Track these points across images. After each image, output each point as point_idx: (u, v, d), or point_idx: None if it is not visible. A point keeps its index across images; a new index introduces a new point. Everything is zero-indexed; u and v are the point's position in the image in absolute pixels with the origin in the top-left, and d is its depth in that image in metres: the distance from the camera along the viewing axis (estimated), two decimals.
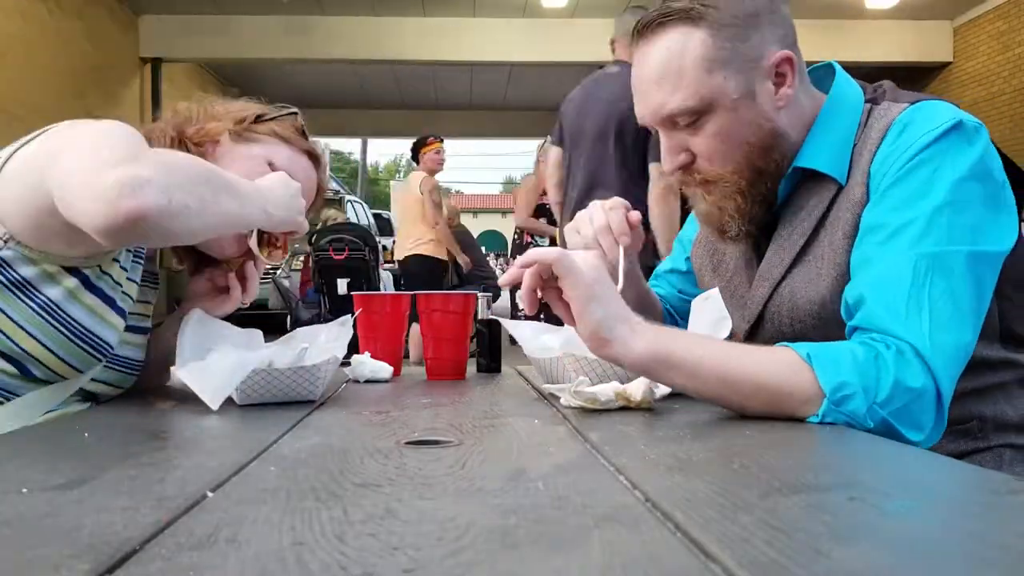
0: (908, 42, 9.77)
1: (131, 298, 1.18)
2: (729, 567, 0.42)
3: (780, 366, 0.89)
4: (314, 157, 1.30)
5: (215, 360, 1.04)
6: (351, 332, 1.23)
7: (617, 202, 1.17)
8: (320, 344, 1.18)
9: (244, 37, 9.77)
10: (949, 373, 0.90)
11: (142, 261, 1.21)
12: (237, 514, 0.54)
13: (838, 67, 1.13)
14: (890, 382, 0.87)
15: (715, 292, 1.13)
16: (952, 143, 0.97)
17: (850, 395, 0.86)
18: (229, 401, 1.04)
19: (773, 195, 1.09)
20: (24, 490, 0.61)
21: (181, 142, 1.20)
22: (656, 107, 1.05)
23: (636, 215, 1.15)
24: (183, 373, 1.03)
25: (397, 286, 8.21)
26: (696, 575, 0.42)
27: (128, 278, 1.16)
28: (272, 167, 1.21)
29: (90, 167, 0.92)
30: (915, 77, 9.71)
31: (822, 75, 1.14)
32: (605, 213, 1.15)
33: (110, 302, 1.11)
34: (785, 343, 0.92)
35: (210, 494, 0.59)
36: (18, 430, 1.01)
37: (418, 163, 6.38)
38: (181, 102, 1.28)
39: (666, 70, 1.02)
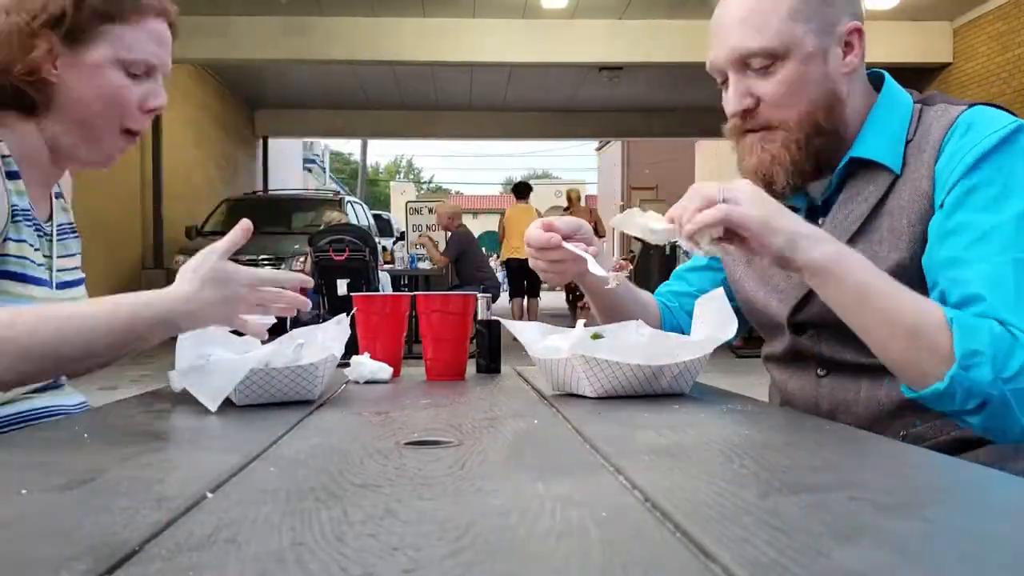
0: (908, 43, 9.77)
1: (41, 263, 1.15)
2: (729, 567, 0.42)
3: (932, 317, 0.93)
4: (153, 10, 1.14)
5: (213, 363, 1.04)
6: (348, 331, 1.22)
7: (530, 244, 1.21)
8: (318, 343, 1.18)
9: (243, 38, 9.77)
10: None
11: (33, 222, 1.15)
12: (237, 514, 0.54)
13: (886, 73, 1.18)
14: (1021, 361, 0.89)
15: (719, 292, 1.13)
16: (1021, 146, 1.01)
17: (979, 363, 0.89)
18: (229, 402, 1.04)
19: (831, 168, 1.13)
20: (24, 490, 0.61)
21: (15, 89, 1.08)
22: (735, 45, 1.10)
23: (555, 222, 1.21)
24: (182, 377, 1.03)
25: (396, 287, 8.22)
26: (696, 575, 0.42)
27: (32, 247, 1.13)
28: (124, 66, 1.11)
29: None
30: (915, 78, 9.71)
31: (873, 79, 1.19)
32: (528, 248, 1.23)
33: (32, 280, 1.11)
34: (937, 301, 0.96)
35: (210, 494, 0.59)
36: (18, 430, 1.01)
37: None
38: None
39: (753, 12, 1.09)
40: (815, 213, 1.16)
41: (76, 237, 1.30)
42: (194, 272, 1.01)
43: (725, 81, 1.14)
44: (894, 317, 0.94)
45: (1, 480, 0.66)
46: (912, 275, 1.03)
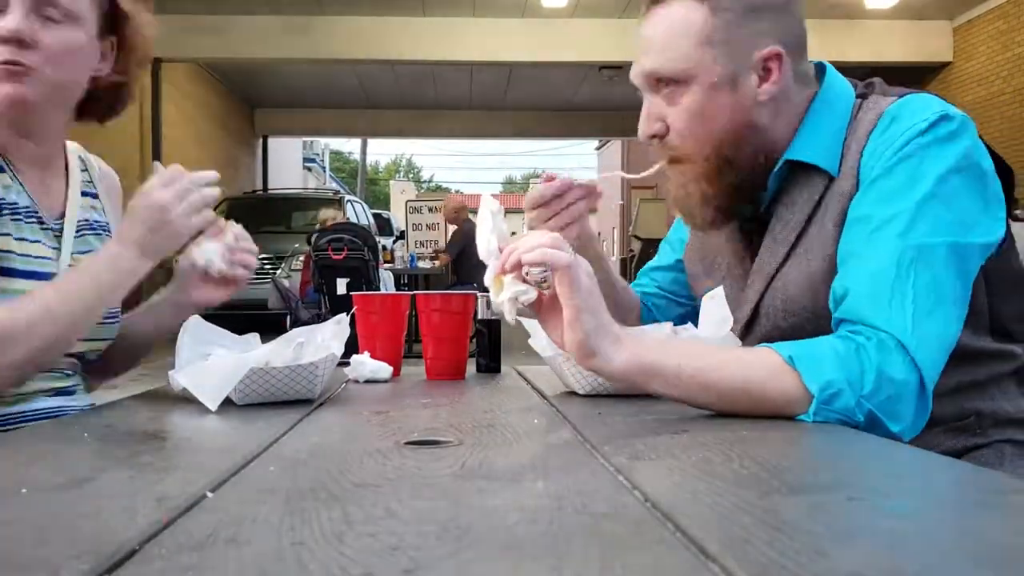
0: (908, 42, 9.77)
1: (43, 258, 1.15)
2: (729, 567, 0.42)
3: (762, 369, 0.90)
4: None
5: (212, 362, 1.04)
6: (348, 331, 1.22)
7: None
8: (317, 343, 1.18)
9: (244, 37, 9.77)
10: (933, 363, 0.91)
11: (30, 215, 1.16)
12: (237, 514, 0.54)
13: (829, 65, 1.14)
14: (873, 374, 0.88)
15: (719, 291, 1.13)
16: (938, 135, 0.98)
17: (837, 392, 0.87)
18: (229, 401, 1.04)
19: (752, 189, 1.10)
20: (24, 490, 0.61)
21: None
22: (645, 66, 1.08)
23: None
24: (181, 376, 1.03)
25: (396, 286, 8.22)
26: (696, 575, 0.42)
27: (15, 239, 1.13)
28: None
29: None
30: (915, 77, 9.71)
31: (813, 73, 1.15)
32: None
33: (44, 276, 1.11)
34: (766, 344, 0.93)
35: (210, 494, 0.59)
36: (18, 430, 1.01)
37: None
38: None
39: (663, 35, 1.06)
40: (761, 223, 1.13)
41: (105, 234, 1.29)
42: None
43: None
44: (726, 388, 0.90)
45: (1, 480, 0.66)
46: None
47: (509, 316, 0.92)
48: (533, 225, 1.18)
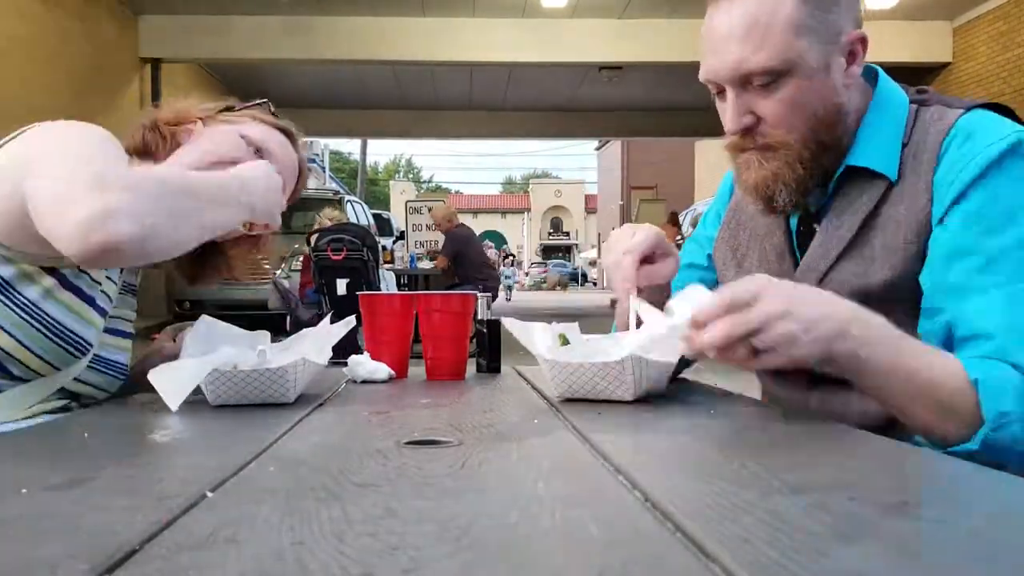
0: (908, 42, 9.78)
1: (109, 297, 1.18)
2: (729, 567, 0.42)
3: (958, 385, 0.89)
4: (289, 134, 1.30)
5: (181, 362, 1.04)
6: (343, 334, 1.22)
7: (635, 245, 1.12)
8: (304, 344, 1.18)
9: (244, 37, 9.78)
10: None
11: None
12: (237, 514, 0.54)
13: (880, 70, 1.14)
14: None
15: (701, 287, 1.11)
16: (1021, 159, 0.98)
17: (1007, 423, 0.87)
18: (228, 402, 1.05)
19: (829, 176, 1.10)
20: (24, 490, 0.61)
21: (155, 129, 1.21)
22: (735, 63, 1.03)
23: (664, 269, 1.14)
24: (151, 372, 1.02)
25: (398, 286, 8.22)
26: (696, 575, 0.42)
27: (107, 276, 1.17)
28: (247, 140, 1.21)
29: (61, 190, 0.92)
30: (915, 78, 9.69)
31: (866, 75, 1.14)
32: (619, 255, 1.13)
33: (89, 300, 1.11)
34: (961, 356, 0.92)
35: (210, 494, 0.59)
36: (18, 430, 1.01)
37: None
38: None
39: (753, 26, 1.01)
40: (809, 222, 1.14)
41: (134, 296, 1.32)
42: None
43: (721, 92, 1.09)
44: (923, 390, 0.90)
45: (1, 480, 0.66)
46: (903, 292, 1.01)
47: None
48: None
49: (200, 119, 1.23)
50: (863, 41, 1.06)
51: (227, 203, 1.08)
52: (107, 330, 1.19)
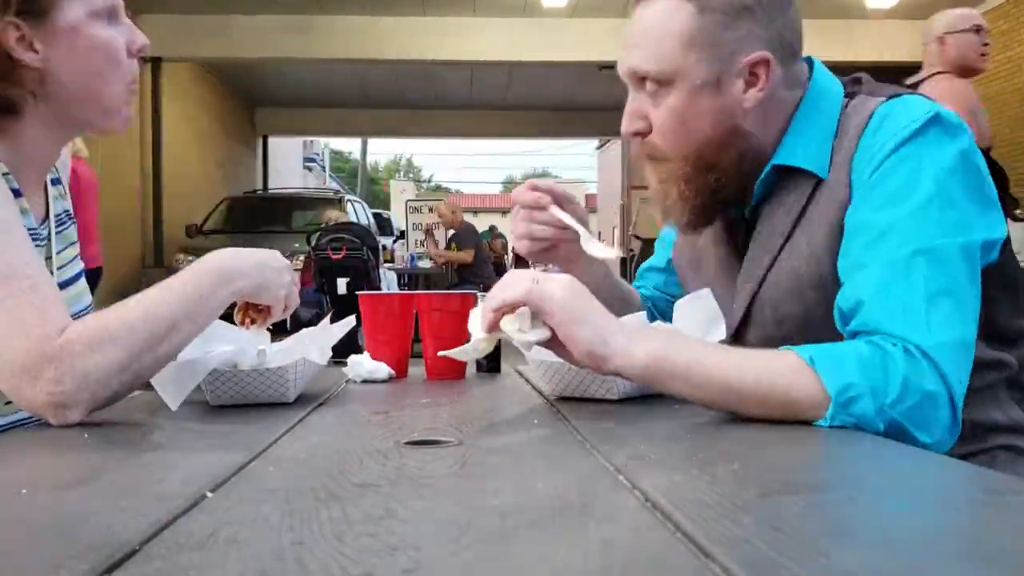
0: (908, 42, 9.75)
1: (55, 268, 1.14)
2: (729, 567, 0.42)
3: (783, 370, 0.87)
4: None
5: (180, 362, 1.03)
6: (342, 334, 1.22)
7: (516, 202, 1.18)
8: (304, 344, 1.18)
9: (244, 37, 9.78)
10: (959, 372, 0.88)
11: (35, 234, 1.11)
12: (237, 514, 0.54)
13: (816, 61, 1.12)
14: (899, 381, 0.84)
15: (707, 292, 1.11)
16: (933, 137, 0.96)
17: (857, 396, 0.84)
18: (228, 401, 1.05)
19: (736, 191, 1.09)
20: (24, 490, 0.61)
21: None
22: (629, 62, 1.06)
23: (543, 183, 1.17)
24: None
25: (400, 286, 8.22)
26: (696, 575, 0.42)
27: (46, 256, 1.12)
28: (96, 15, 1.04)
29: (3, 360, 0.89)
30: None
31: (806, 74, 1.12)
32: (514, 210, 1.19)
33: None
34: (788, 346, 0.90)
35: (210, 494, 0.59)
36: (18, 430, 1.01)
37: None
38: None
39: (648, 33, 1.05)
40: (748, 228, 1.12)
41: (73, 223, 1.25)
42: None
43: None
44: (743, 390, 0.87)
45: (1, 480, 0.66)
46: (833, 284, 0.99)
47: (532, 338, 0.91)
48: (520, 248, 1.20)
49: (32, 48, 1.01)
50: (766, 63, 1.02)
51: (210, 300, 1.00)
52: (60, 285, 1.13)
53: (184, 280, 1.00)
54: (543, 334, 0.90)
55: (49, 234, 1.18)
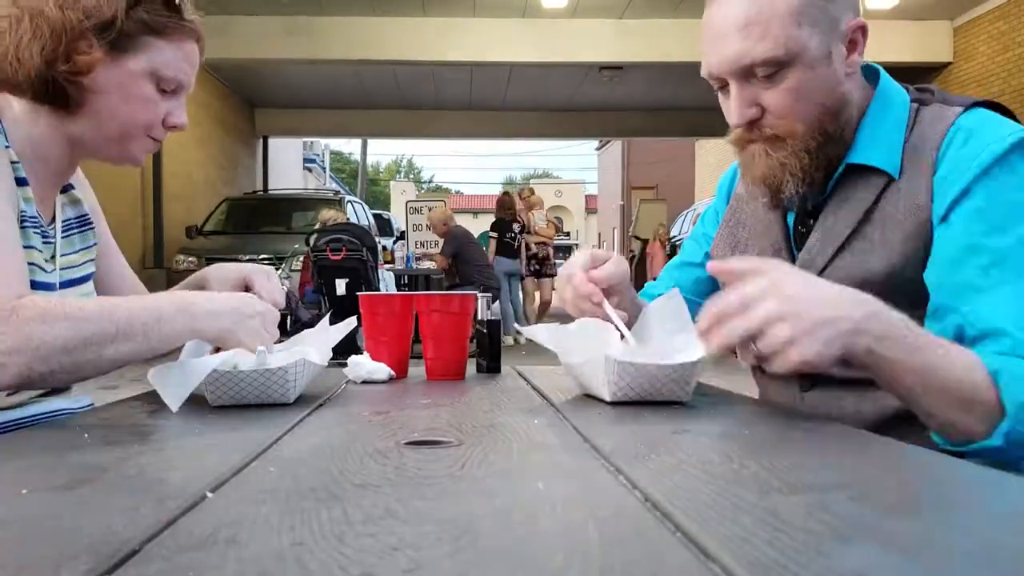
0: (908, 42, 9.78)
1: (46, 267, 1.15)
2: (729, 567, 0.42)
3: (980, 379, 0.87)
4: (193, 33, 1.17)
5: (181, 362, 1.03)
6: (341, 336, 1.22)
7: (576, 266, 1.15)
8: (307, 345, 1.18)
9: (244, 37, 9.78)
10: None
11: (39, 227, 1.15)
12: (237, 514, 0.54)
13: (879, 66, 1.14)
14: None
15: (675, 292, 1.11)
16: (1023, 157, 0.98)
17: None
18: (228, 402, 1.04)
19: (832, 170, 1.10)
20: (24, 490, 0.61)
21: (55, 85, 1.07)
22: (737, 55, 1.03)
23: (602, 272, 1.14)
24: (151, 372, 1.02)
25: (398, 286, 8.22)
26: (696, 575, 0.42)
27: (37, 251, 1.13)
28: (157, 80, 1.13)
29: None
30: (915, 77, 9.71)
31: (865, 73, 1.14)
32: (568, 286, 1.16)
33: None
34: (978, 351, 0.91)
35: (210, 494, 0.59)
36: (18, 430, 1.01)
37: None
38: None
39: (754, 18, 1.01)
40: (807, 219, 1.14)
41: (87, 229, 1.29)
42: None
43: (724, 86, 1.08)
44: (944, 385, 0.88)
45: (1, 480, 0.66)
46: (901, 286, 1.01)
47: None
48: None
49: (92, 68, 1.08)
50: (863, 29, 1.05)
51: (161, 331, 1.00)
52: (63, 284, 1.17)
53: (149, 299, 1.04)
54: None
55: (55, 236, 1.20)
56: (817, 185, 1.10)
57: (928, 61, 9.97)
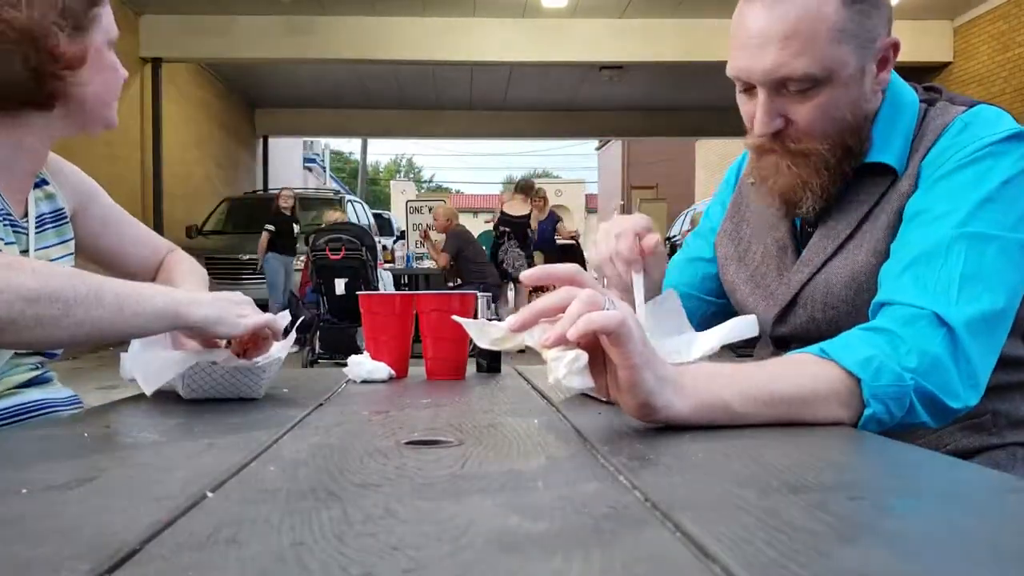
0: (908, 42, 9.68)
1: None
2: (729, 567, 0.42)
3: (810, 373, 0.85)
4: None
5: (160, 353, 1.06)
6: (294, 337, 1.21)
7: (628, 225, 1.11)
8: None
9: (244, 37, 9.78)
10: (977, 336, 0.88)
11: (6, 219, 1.13)
12: (237, 514, 0.54)
13: (892, 70, 1.13)
14: (909, 348, 0.86)
15: (672, 292, 1.12)
16: (1010, 147, 0.98)
17: (880, 366, 0.84)
18: (227, 401, 1.04)
19: (848, 176, 1.09)
20: (24, 490, 0.61)
21: (40, 87, 1.08)
22: (774, 67, 1.00)
23: (652, 239, 1.10)
24: (129, 357, 1.03)
25: (396, 286, 8.22)
26: (696, 575, 0.42)
27: (3, 240, 1.12)
28: (111, 46, 1.17)
29: None
30: (915, 77, 9.71)
31: None
32: (612, 239, 1.11)
33: None
34: (800, 350, 0.90)
35: (210, 494, 0.59)
36: (10, 426, 1.01)
37: None
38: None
39: (796, 30, 0.98)
40: (813, 217, 1.13)
41: (63, 223, 1.27)
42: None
43: (748, 89, 1.06)
44: (786, 396, 0.84)
45: (1, 480, 0.66)
46: None
47: (576, 384, 0.79)
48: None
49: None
50: (895, 47, 1.05)
51: (140, 305, 0.97)
52: None
53: (133, 282, 1.01)
54: (587, 383, 0.80)
55: (27, 230, 1.20)
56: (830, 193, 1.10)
57: (928, 61, 9.98)
